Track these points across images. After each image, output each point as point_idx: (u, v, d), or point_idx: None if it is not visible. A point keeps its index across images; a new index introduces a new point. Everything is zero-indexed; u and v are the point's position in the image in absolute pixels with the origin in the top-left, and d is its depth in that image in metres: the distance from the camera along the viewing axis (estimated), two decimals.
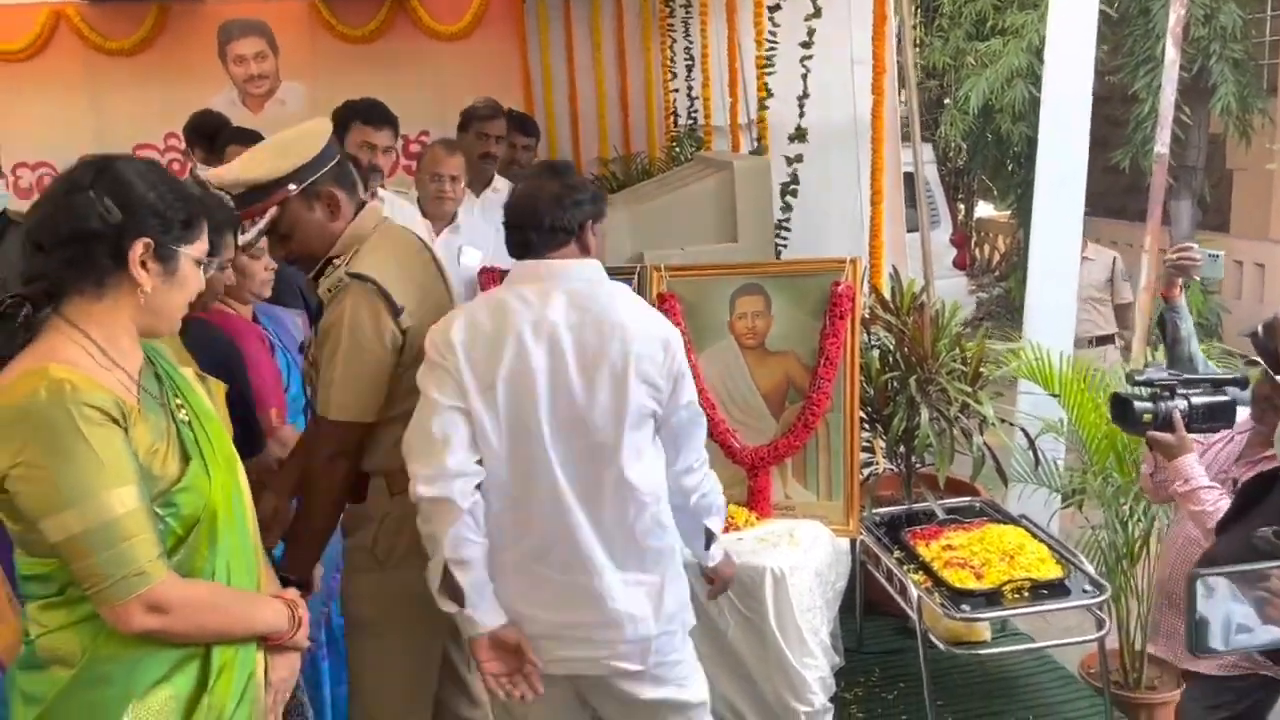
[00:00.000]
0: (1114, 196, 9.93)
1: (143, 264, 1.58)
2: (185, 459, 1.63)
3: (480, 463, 1.98)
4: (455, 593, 1.98)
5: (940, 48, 10.76)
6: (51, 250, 1.57)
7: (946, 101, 11.40)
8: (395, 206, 3.53)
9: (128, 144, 5.46)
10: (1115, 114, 9.19)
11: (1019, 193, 10.27)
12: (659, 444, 2.09)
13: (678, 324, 3.33)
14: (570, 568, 2.01)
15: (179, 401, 1.70)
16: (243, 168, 2.16)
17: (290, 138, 2.20)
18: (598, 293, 2.05)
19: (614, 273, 3.50)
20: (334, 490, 2.19)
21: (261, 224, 2.16)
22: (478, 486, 1.98)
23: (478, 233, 3.86)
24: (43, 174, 5.61)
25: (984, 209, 13.97)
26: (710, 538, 2.25)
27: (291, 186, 2.14)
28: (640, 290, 3.40)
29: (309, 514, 2.22)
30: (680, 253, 3.67)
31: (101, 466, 1.50)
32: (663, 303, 3.35)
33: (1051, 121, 4.47)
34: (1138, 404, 2.48)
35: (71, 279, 1.57)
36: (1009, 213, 11.76)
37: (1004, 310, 10.87)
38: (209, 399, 1.78)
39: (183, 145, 5.02)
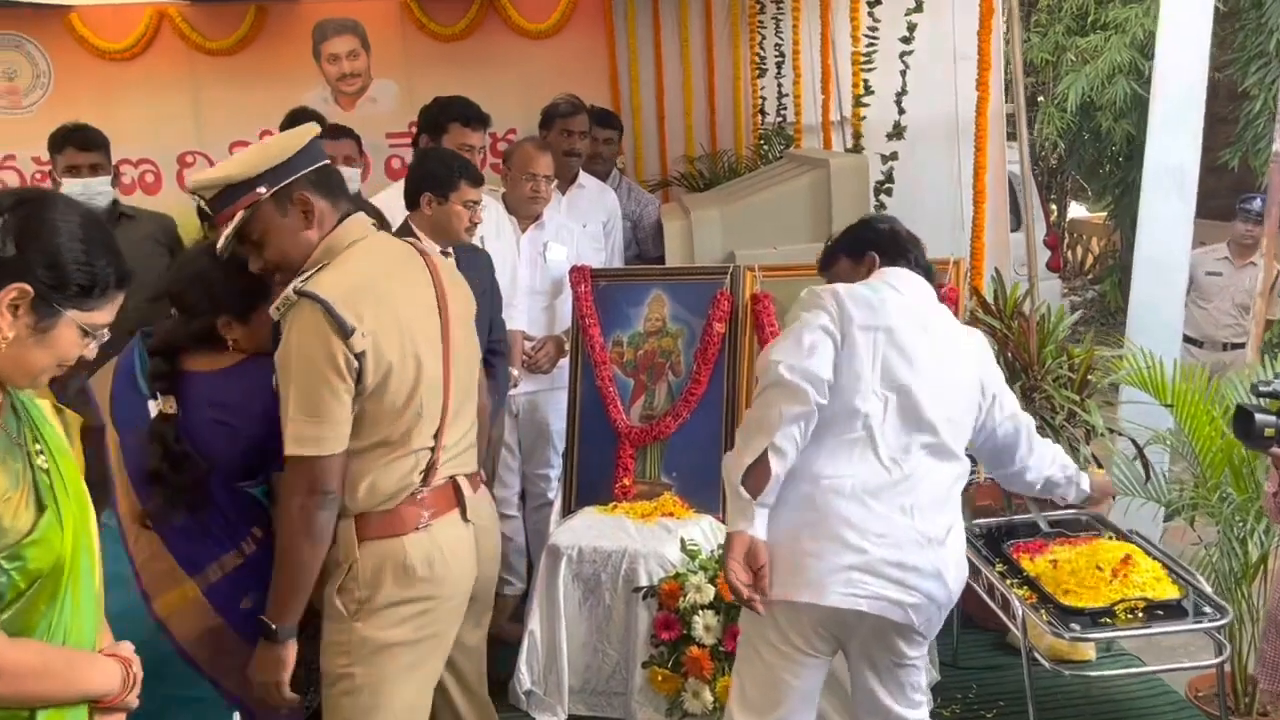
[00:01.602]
0: (1221, 197, 9.47)
1: (15, 309, 1.44)
2: (40, 509, 1.48)
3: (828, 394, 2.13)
4: (758, 481, 2.07)
5: (1038, 43, 10.45)
6: None
7: (1040, 99, 11.08)
8: (485, 206, 3.52)
9: (225, 141, 5.58)
10: (1222, 111, 8.80)
11: (1118, 192, 9.93)
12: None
13: (770, 325, 3.25)
14: (914, 513, 2.12)
15: (38, 446, 1.55)
16: (219, 168, 2.07)
17: (270, 141, 2.08)
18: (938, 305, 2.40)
19: (706, 272, 3.51)
20: (300, 533, 1.98)
21: (229, 229, 2.02)
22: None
23: (563, 229, 3.83)
24: (144, 171, 5.76)
25: (1075, 209, 13.56)
26: (1078, 480, 2.53)
27: (262, 189, 2.00)
28: (733, 290, 3.34)
29: (279, 558, 2.03)
30: (773, 252, 3.58)
31: None
32: (756, 303, 3.28)
33: (1162, 119, 4.29)
34: (1260, 417, 2.32)
35: None
36: (1104, 213, 11.38)
37: (1099, 314, 10.53)
38: (65, 434, 1.64)
39: None
